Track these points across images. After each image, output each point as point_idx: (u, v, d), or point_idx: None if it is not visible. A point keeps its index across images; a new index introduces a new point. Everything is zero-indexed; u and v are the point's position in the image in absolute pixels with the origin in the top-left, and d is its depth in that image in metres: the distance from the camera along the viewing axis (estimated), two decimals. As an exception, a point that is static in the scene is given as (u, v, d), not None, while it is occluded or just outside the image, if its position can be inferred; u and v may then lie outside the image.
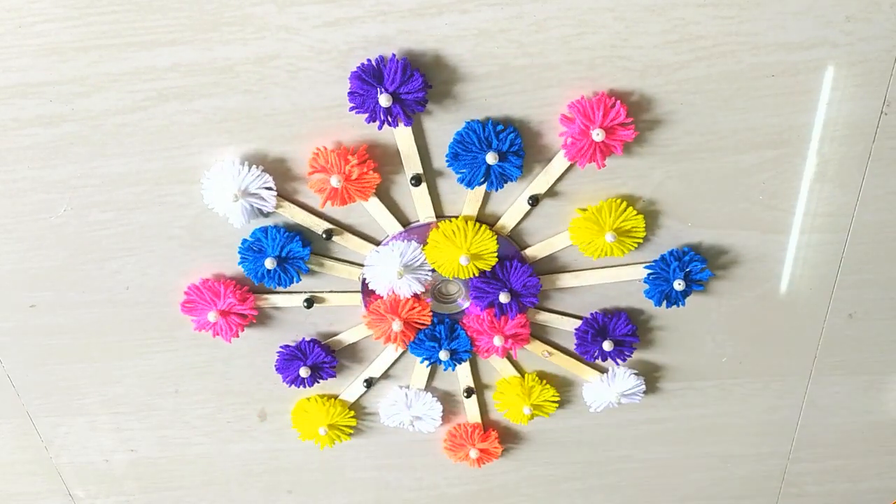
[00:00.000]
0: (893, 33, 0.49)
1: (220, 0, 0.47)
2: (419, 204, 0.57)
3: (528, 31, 0.49)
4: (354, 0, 0.47)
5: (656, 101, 0.52)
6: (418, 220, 0.58)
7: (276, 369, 0.65)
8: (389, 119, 0.51)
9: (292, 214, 0.56)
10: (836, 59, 0.50)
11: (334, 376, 0.66)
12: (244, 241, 0.57)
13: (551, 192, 0.56)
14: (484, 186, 0.55)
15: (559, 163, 0.54)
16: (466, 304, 0.63)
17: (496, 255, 0.58)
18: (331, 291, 0.62)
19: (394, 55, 0.49)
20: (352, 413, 0.69)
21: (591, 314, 0.63)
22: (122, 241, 0.58)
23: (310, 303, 0.61)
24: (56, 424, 0.71)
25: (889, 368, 0.68)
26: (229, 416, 0.71)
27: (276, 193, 0.55)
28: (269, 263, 0.57)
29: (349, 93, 0.50)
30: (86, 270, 0.60)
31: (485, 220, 0.58)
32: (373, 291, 0.60)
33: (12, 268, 0.60)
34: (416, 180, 0.55)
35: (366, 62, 0.49)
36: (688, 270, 0.59)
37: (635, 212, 0.57)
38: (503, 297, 0.60)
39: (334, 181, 0.53)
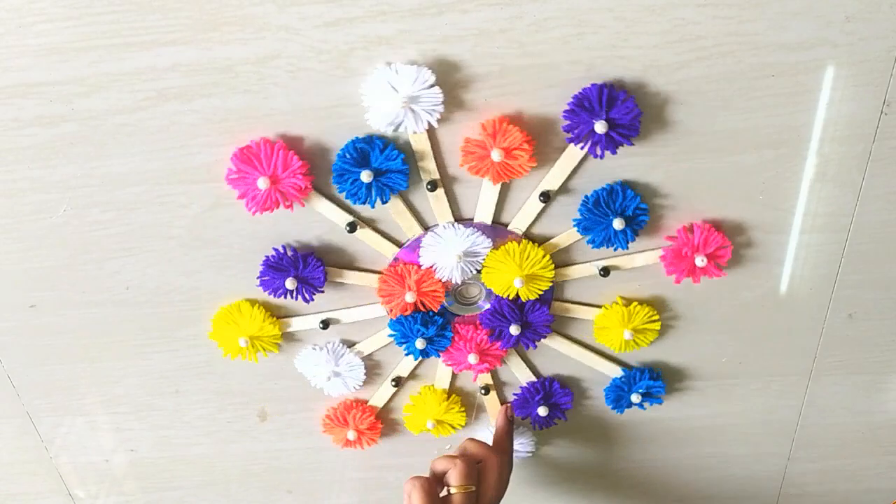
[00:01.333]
0: (893, 33, 0.49)
1: (220, 0, 0.47)
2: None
3: (529, 31, 0.49)
4: (354, 0, 0.47)
5: (656, 101, 0.52)
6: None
7: (261, 286, 0.60)
8: (600, 146, 0.52)
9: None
10: (836, 60, 0.50)
11: (322, 290, 0.60)
12: (341, 153, 0.53)
13: (564, 189, 0.56)
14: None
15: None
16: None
17: (551, 279, 0.59)
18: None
19: (603, 84, 0.50)
20: (277, 325, 0.63)
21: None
22: (122, 241, 0.58)
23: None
24: (56, 424, 0.71)
25: (889, 368, 0.68)
26: (229, 416, 0.71)
27: (442, 98, 0.51)
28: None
29: (565, 115, 0.51)
30: (86, 270, 0.60)
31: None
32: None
33: (12, 268, 0.60)
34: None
35: (580, 92, 0.51)
36: (646, 391, 0.67)
37: (650, 313, 0.62)
38: (513, 330, 0.61)
39: (496, 156, 0.53)
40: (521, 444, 0.72)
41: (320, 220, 0.57)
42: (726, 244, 0.58)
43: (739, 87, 0.51)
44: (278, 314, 0.62)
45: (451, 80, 0.51)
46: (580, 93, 0.51)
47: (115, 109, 0.52)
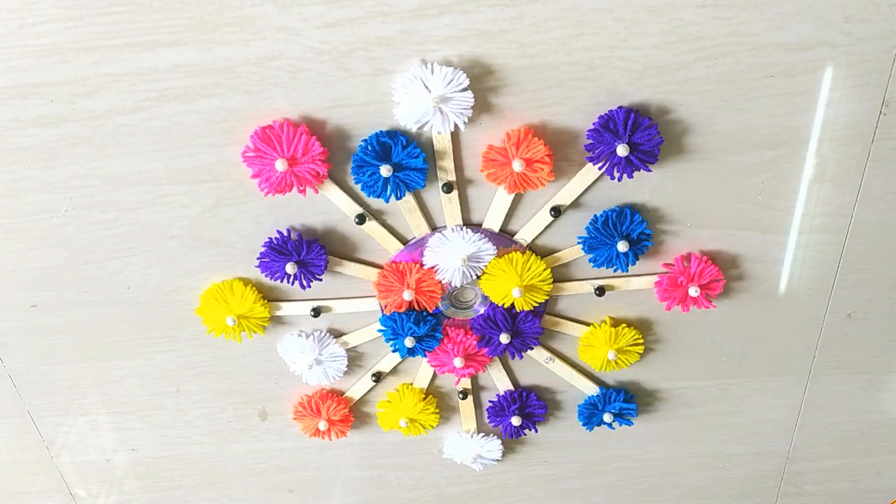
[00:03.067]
0: (892, 34, 0.49)
1: (221, 1, 0.47)
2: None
3: (528, 32, 0.49)
4: (355, 1, 0.48)
5: (656, 101, 0.52)
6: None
7: (260, 267, 0.59)
8: (618, 169, 0.53)
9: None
10: (834, 60, 0.50)
11: (320, 278, 0.60)
12: (363, 144, 0.53)
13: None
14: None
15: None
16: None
17: (548, 292, 0.60)
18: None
19: (630, 108, 0.51)
20: (268, 307, 0.62)
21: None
22: (123, 241, 0.59)
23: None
24: (57, 424, 0.72)
25: (887, 368, 0.69)
26: (230, 415, 0.71)
27: (472, 102, 0.51)
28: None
29: (589, 134, 0.52)
30: (87, 270, 0.60)
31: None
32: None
33: (13, 268, 0.60)
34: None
35: (606, 113, 0.51)
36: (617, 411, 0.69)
37: (636, 336, 0.63)
38: (503, 338, 0.62)
39: (517, 166, 0.53)
40: (489, 451, 0.72)
41: (322, 212, 0.57)
42: (720, 277, 0.59)
43: (738, 88, 0.51)
44: (269, 296, 0.62)
45: (481, 84, 0.51)
46: (606, 114, 0.52)
47: (117, 110, 0.52)
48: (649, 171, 0.53)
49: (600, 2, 0.48)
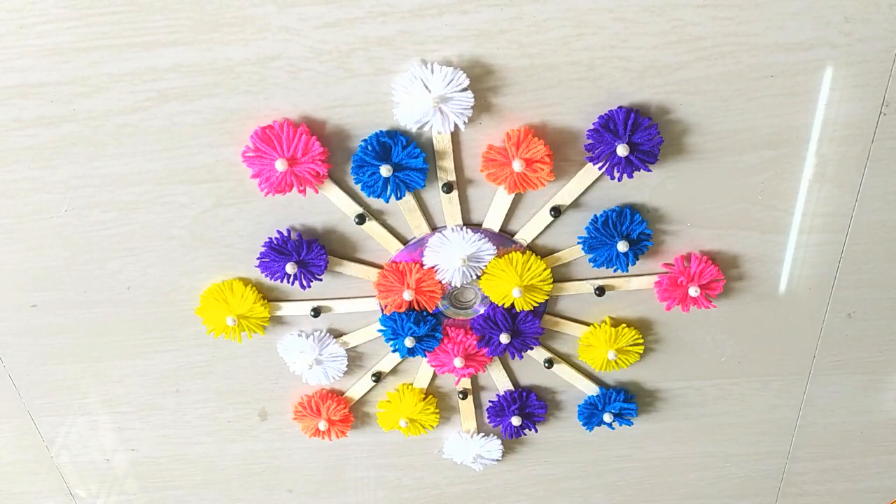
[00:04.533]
0: (892, 34, 0.49)
1: (221, 1, 0.47)
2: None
3: (528, 32, 0.49)
4: (355, 1, 0.48)
5: (656, 101, 0.52)
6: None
7: (260, 267, 0.59)
8: (618, 169, 0.53)
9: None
10: (835, 60, 0.50)
11: (320, 278, 0.60)
12: (363, 144, 0.53)
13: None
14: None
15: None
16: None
17: (549, 292, 0.60)
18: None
19: (630, 108, 0.51)
20: (268, 307, 0.62)
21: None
22: (123, 241, 0.59)
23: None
24: (57, 424, 0.72)
25: (887, 368, 0.69)
26: (230, 415, 0.71)
27: (472, 102, 0.51)
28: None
29: (589, 135, 0.52)
30: (87, 270, 0.60)
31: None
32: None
33: (13, 268, 0.60)
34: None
35: (606, 113, 0.51)
36: (618, 412, 0.69)
37: (636, 336, 0.63)
38: (503, 338, 0.62)
39: (517, 166, 0.53)
40: (489, 451, 0.72)
41: (322, 212, 0.57)
42: (720, 277, 0.59)
43: (738, 88, 0.51)
44: (269, 296, 0.62)
45: (481, 84, 0.51)
46: (606, 114, 0.52)
47: (117, 110, 0.52)
48: (649, 171, 0.53)
49: (600, 2, 0.48)
